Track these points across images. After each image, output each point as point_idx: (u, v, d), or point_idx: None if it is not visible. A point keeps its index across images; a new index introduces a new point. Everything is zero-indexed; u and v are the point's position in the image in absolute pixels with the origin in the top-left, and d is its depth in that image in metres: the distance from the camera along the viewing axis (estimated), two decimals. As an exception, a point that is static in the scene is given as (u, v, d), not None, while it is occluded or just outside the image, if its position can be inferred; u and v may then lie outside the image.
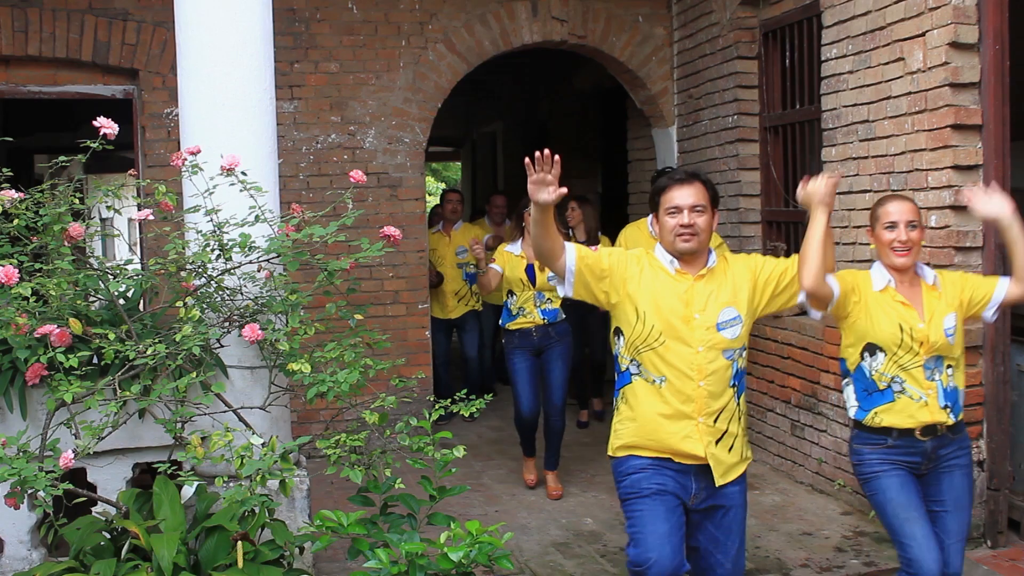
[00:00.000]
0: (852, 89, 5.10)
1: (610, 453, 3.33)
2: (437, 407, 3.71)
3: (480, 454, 6.66)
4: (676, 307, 3.16)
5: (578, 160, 10.38)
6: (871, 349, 3.38)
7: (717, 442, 3.18)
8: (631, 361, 3.21)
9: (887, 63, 4.82)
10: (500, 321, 5.85)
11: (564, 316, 5.75)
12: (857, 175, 5.08)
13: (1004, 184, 4.45)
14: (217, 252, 3.76)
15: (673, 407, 3.15)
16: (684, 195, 3.19)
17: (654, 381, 3.16)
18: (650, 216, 5.21)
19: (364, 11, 6.68)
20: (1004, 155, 4.45)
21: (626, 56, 7.18)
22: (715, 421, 3.17)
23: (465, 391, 3.98)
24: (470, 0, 6.85)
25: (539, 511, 5.47)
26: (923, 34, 4.56)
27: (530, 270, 5.58)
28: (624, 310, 3.20)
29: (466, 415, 3.80)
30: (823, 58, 5.37)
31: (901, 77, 4.72)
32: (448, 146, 15.67)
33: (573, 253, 3.18)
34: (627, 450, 3.25)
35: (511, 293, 5.68)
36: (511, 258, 5.67)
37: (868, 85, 4.97)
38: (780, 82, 6.15)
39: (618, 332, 3.26)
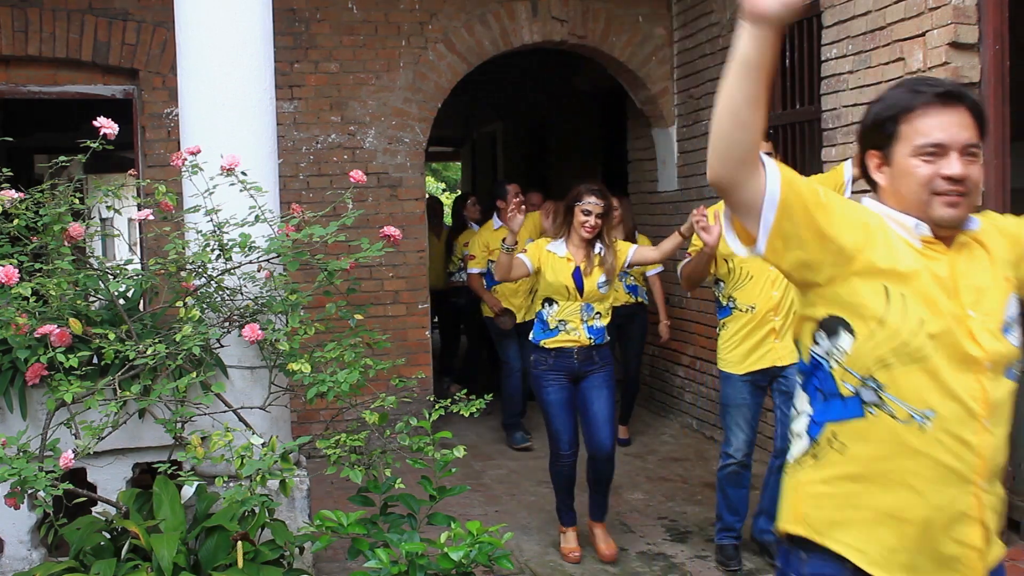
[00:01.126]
0: (852, 89, 5.10)
1: (795, 531, 1.97)
2: (437, 407, 3.71)
3: (480, 454, 6.66)
4: (939, 299, 1.87)
5: (578, 160, 10.38)
6: None
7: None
8: (864, 381, 1.87)
9: (887, 63, 4.82)
10: (531, 336, 4.76)
11: (610, 337, 4.79)
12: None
13: (1004, 184, 4.46)
14: (217, 252, 3.76)
15: (943, 465, 1.85)
16: (950, 125, 1.88)
17: (912, 418, 1.84)
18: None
19: (364, 11, 6.68)
20: (1004, 155, 4.45)
21: (626, 56, 7.18)
22: (995, 484, 1.92)
23: (465, 391, 3.98)
24: (470, 0, 6.85)
25: (539, 511, 5.47)
26: (923, 34, 4.56)
27: (577, 275, 4.57)
28: (856, 290, 1.86)
29: (466, 415, 3.80)
30: (823, 58, 5.37)
31: (901, 77, 4.72)
32: (448, 146, 15.67)
33: (776, 169, 1.83)
34: (836, 542, 1.91)
35: (549, 302, 4.64)
36: (553, 259, 4.61)
37: (868, 85, 4.97)
38: (780, 82, 6.15)
39: (835, 328, 1.89)
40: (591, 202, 4.57)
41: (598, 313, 4.64)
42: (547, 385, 4.64)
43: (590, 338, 4.62)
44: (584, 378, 4.67)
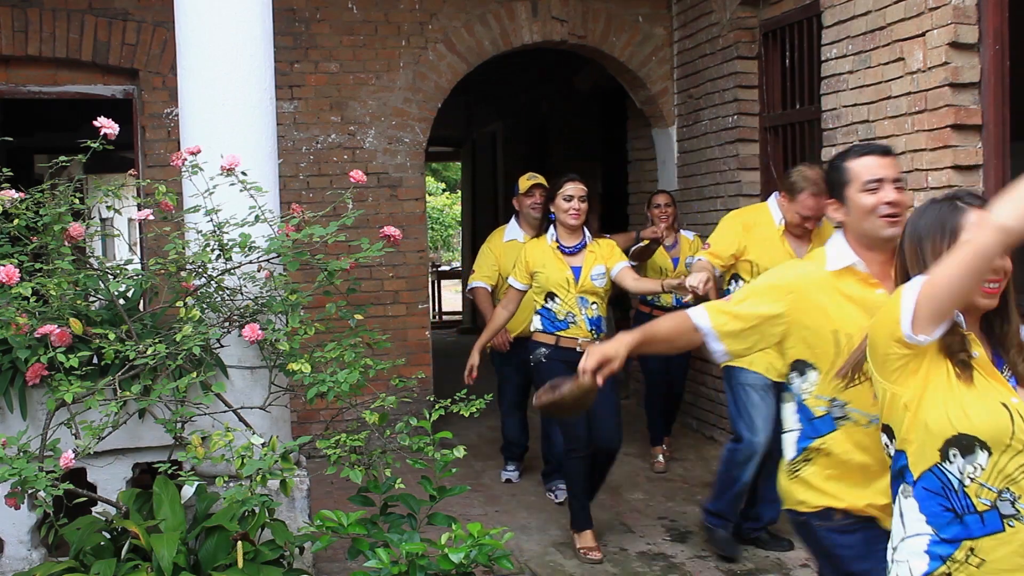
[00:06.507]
0: (852, 89, 5.09)
1: None
2: (437, 407, 3.71)
3: (480, 454, 6.66)
4: None
5: (578, 160, 10.38)
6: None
7: None
8: None
9: (887, 63, 4.82)
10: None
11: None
12: (857, 175, 5.08)
13: (1004, 185, 4.46)
14: (217, 252, 3.76)
15: None
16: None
17: None
18: None
19: (364, 11, 6.69)
20: (1004, 155, 4.45)
21: (626, 56, 7.18)
22: None
23: (464, 391, 3.97)
24: (470, 0, 6.85)
25: (539, 511, 5.47)
26: (923, 34, 4.56)
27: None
28: None
29: (466, 415, 3.79)
30: (823, 58, 5.37)
31: (901, 77, 4.72)
32: (448, 146, 15.65)
33: None
34: None
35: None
36: None
37: (868, 85, 4.97)
38: (780, 82, 6.15)
39: None
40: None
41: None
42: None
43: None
44: None
